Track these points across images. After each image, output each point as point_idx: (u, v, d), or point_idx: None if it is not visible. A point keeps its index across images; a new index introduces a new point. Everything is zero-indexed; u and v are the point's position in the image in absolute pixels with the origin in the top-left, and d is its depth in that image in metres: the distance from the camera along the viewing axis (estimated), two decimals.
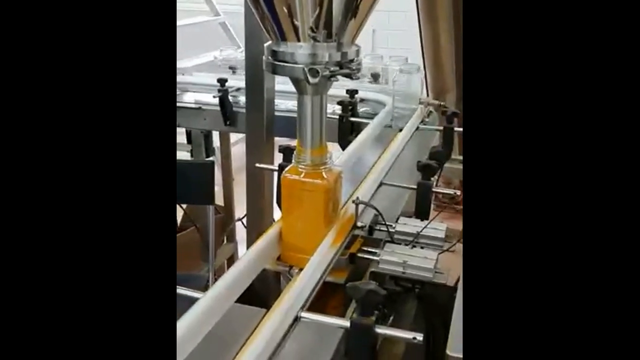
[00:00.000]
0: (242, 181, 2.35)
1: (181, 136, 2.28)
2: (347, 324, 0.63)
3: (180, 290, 0.76)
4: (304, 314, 0.67)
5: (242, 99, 1.70)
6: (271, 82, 1.39)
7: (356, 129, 1.44)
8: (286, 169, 0.83)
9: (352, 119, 1.44)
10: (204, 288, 1.55)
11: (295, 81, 0.77)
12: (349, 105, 1.43)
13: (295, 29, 0.74)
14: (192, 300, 0.69)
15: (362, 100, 1.58)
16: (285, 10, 0.72)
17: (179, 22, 3.19)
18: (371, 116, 1.51)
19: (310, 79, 0.71)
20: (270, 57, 0.76)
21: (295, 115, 1.68)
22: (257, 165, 1.15)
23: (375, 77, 1.71)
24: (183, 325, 0.61)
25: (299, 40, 0.74)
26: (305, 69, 0.71)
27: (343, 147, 1.48)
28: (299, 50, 0.74)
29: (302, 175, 0.80)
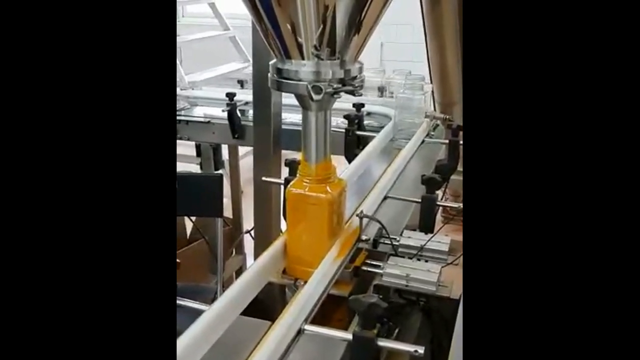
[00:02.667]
0: (250, 193, 2.37)
1: (191, 149, 2.32)
2: (349, 336, 0.64)
3: (187, 302, 0.78)
4: (307, 327, 0.68)
5: (251, 112, 1.73)
6: (278, 97, 1.41)
7: (362, 142, 1.46)
8: (291, 182, 0.85)
9: (358, 132, 1.45)
10: (212, 300, 1.57)
11: (300, 98, 0.79)
12: (355, 118, 1.45)
13: (299, 47, 0.75)
14: (199, 312, 0.70)
15: (368, 113, 1.60)
16: (289, 28, 0.74)
17: (190, 37, 3.24)
18: (377, 129, 1.52)
19: (314, 96, 0.72)
20: (275, 75, 0.78)
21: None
22: (264, 178, 1.16)
23: (381, 91, 1.73)
24: (189, 336, 0.62)
25: (302, 58, 0.76)
26: (309, 87, 0.73)
27: (349, 160, 1.50)
28: (303, 68, 0.76)
29: (306, 189, 0.82)
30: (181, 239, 2.10)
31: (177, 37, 3.13)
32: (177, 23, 3.34)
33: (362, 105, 1.52)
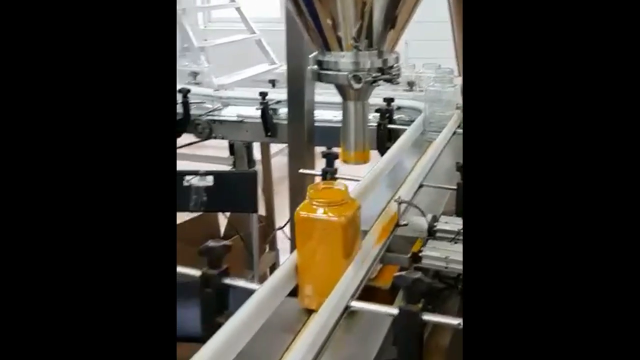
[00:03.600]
0: (282, 191, 2.42)
1: (220, 150, 2.37)
2: (395, 311, 0.67)
3: (238, 282, 0.81)
4: (354, 303, 0.71)
5: (282, 110, 1.77)
6: (311, 94, 1.45)
7: (394, 135, 1.49)
8: (300, 205, 0.75)
9: (390, 126, 1.48)
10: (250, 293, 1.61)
11: (340, 88, 0.82)
12: (386, 112, 1.48)
13: (339, 40, 0.79)
14: (250, 292, 0.74)
15: (398, 108, 1.63)
16: (330, 23, 0.78)
17: (217, 41, 3.31)
18: (407, 123, 1.55)
19: (354, 85, 0.76)
20: (315, 67, 0.82)
21: (333, 125, 1.75)
22: (301, 171, 1.20)
23: (410, 85, 1.75)
24: (239, 318, 0.65)
25: (342, 50, 0.79)
26: (349, 76, 0.76)
27: (382, 154, 1.53)
28: (342, 59, 0.79)
29: (316, 213, 0.73)
30: (215, 236, 2.16)
31: (205, 42, 3.21)
32: (204, 28, 3.43)
33: (392, 99, 1.55)
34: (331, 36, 0.80)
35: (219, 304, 0.76)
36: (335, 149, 1.22)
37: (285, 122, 1.73)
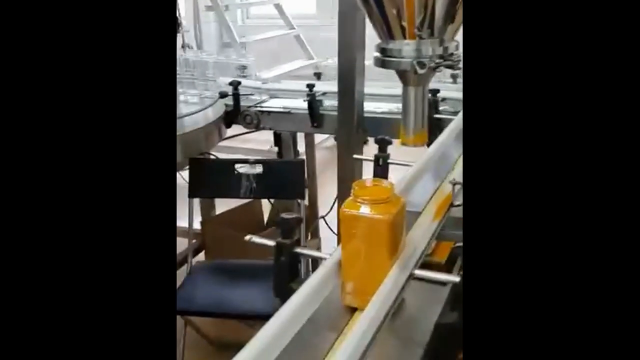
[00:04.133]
0: (323, 182, 2.48)
1: (261, 144, 2.44)
2: (457, 279, 0.73)
3: (309, 251, 0.88)
4: (417, 271, 0.77)
5: (327, 102, 1.84)
6: (361, 86, 1.51)
7: (439, 126, 1.54)
8: (345, 203, 0.75)
9: (436, 116, 1.53)
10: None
11: (401, 74, 0.88)
12: (433, 103, 1.53)
13: (403, 29, 0.85)
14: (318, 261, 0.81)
15: (443, 99, 1.68)
16: (394, 13, 0.84)
17: (257, 36, 3.39)
18: (452, 114, 1.60)
19: (419, 70, 0.82)
20: (380, 54, 0.88)
21: (380, 115, 1.80)
22: (355, 156, 1.27)
23: (454, 78, 1.80)
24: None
25: (405, 39, 0.85)
26: (414, 62, 0.82)
27: (428, 144, 1.58)
28: (406, 47, 0.85)
29: (360, 210, 0.73)
30: (259, 223, 2.24)
31: (245, 38, 3.30)
32: (242, 25, 3.52)
33: (438, 90, 1.60)
34: (395, 25, 0.85)
35: (291, 271, 0.83)
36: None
37: (330, 112, 1.80)
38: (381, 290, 0.69)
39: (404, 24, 0.86)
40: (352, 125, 1.50)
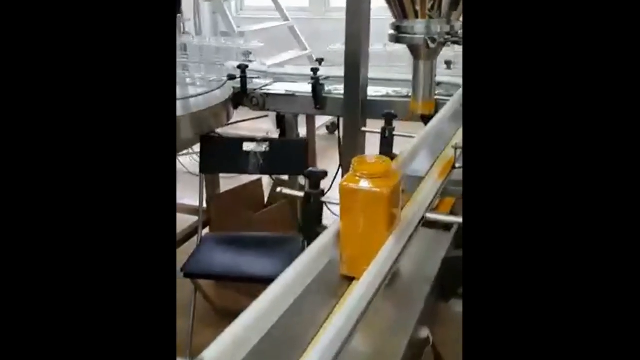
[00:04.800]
0: (321, 161, 2.61)
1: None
2: (460, 220, 0.86)
3: (332, 200, 1.00)
4: (429, 214, 0.90)
5: (329, 87, 1.97)
6: (366, 71, 1.65)
7: (436, 107, 1.68)
8: (344, 177, 0.78)
9: None
10: (301, 249, 1.81)
11: (414, 48, 1.02)
12: None
13: (415, 10, 0.98)
14: None
15: (438, 83, 1.82)
16: None
17: (254, 27, 3.50)
18: (447, 97, 1.74)
19: (430, 45, 0.95)
20: (394, 31, 1.01)
21: (382, 99, 1.94)
22: (363, 129, 1.40)
23: (448, 64, 1.94)
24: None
25: (417, 18, 0.99)
26: (426, 37, 0.96)
27: (425, 124, 1.72)
28: (418, 25, 0.99)
29: (359, 184, 0.75)
30: (260, 201, 2.36)
31: (245, 27, 3.41)
32: (237, 16, 3.62)
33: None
34: (409, 7, 0.99)
35: (317, 217, 0.95)
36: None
37: (332, 96, 1.93)
38: (377, 260, 0.72)
39: (417, 6, 0.99)
40: (357, 106, 1.63)
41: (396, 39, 1.01)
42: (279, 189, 0.96)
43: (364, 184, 0.75)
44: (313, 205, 0.96)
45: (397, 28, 1.01)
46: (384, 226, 0.76)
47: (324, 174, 0.99)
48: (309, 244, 0.84)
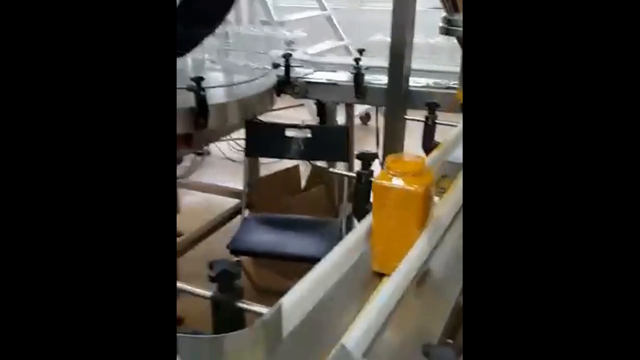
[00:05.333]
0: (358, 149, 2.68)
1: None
2: None
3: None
4: None
5: (369, 76, 2.03)
6: (409, 62, 1.70)
7: None
8: (378, 174, 0.79)
9: None
10: (339, 231, 1.89)
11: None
12: None
13: None
14: None
15: None
16: None
17: (294, 16, 3.56)
18: None
19: None
20: (445, 24, 1.07)
21: (423, 90, 1.99)
22: (406, 117, 1.46)
23: None
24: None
25: None
26: None
27: None
28: None
29: (392, 182, 0.75)
30: (297, 186, 2.44)
31: (280, 17, 3.48)
32: (275, 5, 3.69)
33: None
34: (460, 1, 1.04)
35: (367, 196, 1.03)
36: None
37: (372, 85, 1.99)
38: (407, 259, 0.71)
39: None
40: (400, 96, 1.69)
41: (446, 32, 1.07)
42: (330, 168, 1.03)
43: (397, 182, 0.75)
44: (364, 185, 1.04)
45: (448, 21, 1.06)
46: (415, 224, 0.76)
47: (375, 155, 1.06)
48: (359, 221, 0.92)
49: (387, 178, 0.76)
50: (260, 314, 0.62)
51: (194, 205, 2.88)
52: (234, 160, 3.48)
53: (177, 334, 0.50)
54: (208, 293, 0.64)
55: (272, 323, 0.55)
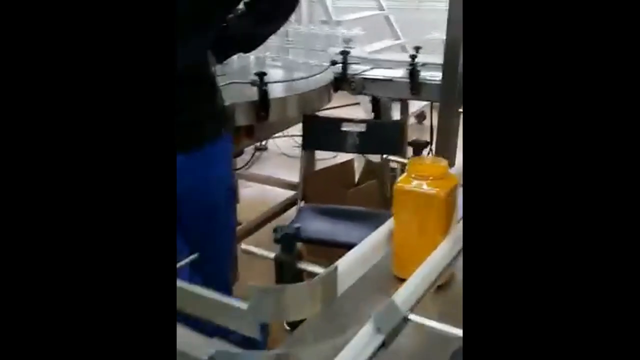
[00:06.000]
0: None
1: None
2: None
3: None
4: None
5: (424, 73, 2.07)
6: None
7: None
8: (400, 178, 0.78)
9: None
10: None
11: None
12: None
13: None
14: None
15: None
16: None
17: (352, 15, 3.64)
18: None
19: None
20: None
21: None
22: (460, 112, 1.50)
23: None
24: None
25: None
26: None
27: None
28: None
29: (414, 186, 0.74)
30: (351, 180, 2.51)
31: (339, 16, 3.56)
32: (334, 5, 3.77)
33: None
34: None
35: None
36: None
37: (427, 82, 2.03)
38: (425, 264, 0.66)
39: None
40: (455, 91, 1.73)
41: None
42: (385, 155, 1.08)
43: (418, 185, 0.73)
44: None
45: None
46: (437, 229, 0.73)
47: (427, 142, 1.11)
48: None
49: (408, 181, 0.75)
50: (317, 274, 0.64)
51: (252, 197, 3.01)
52: (289, 156, 3.60)
53: (249, 285, 0.56)
54: (271, 254, 0.72)
55: (328, 280, 0.62)
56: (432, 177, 0.73)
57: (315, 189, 2.38)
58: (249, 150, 3.30)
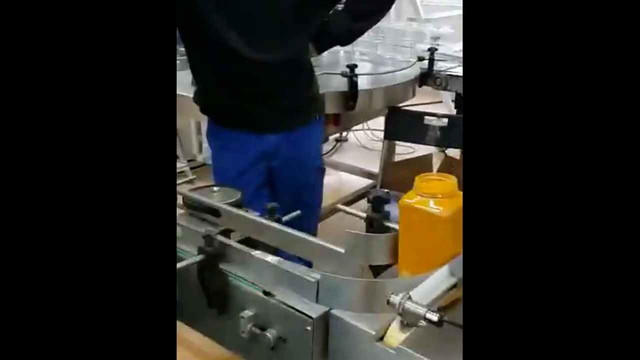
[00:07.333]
0: None
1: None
2: None
3: None
4: None
5: None
6: None
7: None
8: (406, 194, 0.77)
9: None
10: None
11: None
12: None
13: None
14: None
15: None
16: None
17: (442, 14, 3.68)
18: None
19: None
20: None
21: None
22: None
23: None
24: None
25: None
26: None
27: None
28: None
29: (419, 203, 0.72)
30: (428, 171, 2.58)
31: (431, 15, 3.61)
32: (424, 4, 3.82)
33: None
34: None
35: None
36: None
37: None
38: (423, 286, 0.64)
39: None
40: None
41: None
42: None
43: (424, 203, 0.71)
44: None
45: None
46: (441, 250, 0.70)
47: None
48: None
49: (414, 198, 0.72)
50: None
51: (331, 184, 3.16)
52: (368, 149, 3.71)
53: (345, 232, 0.67)
54: (363, 214, 0.84)
55: None
56: (438, 195, 0.71)
57: (393, 178, 2.48)
58: (330, 140, 3.45)
